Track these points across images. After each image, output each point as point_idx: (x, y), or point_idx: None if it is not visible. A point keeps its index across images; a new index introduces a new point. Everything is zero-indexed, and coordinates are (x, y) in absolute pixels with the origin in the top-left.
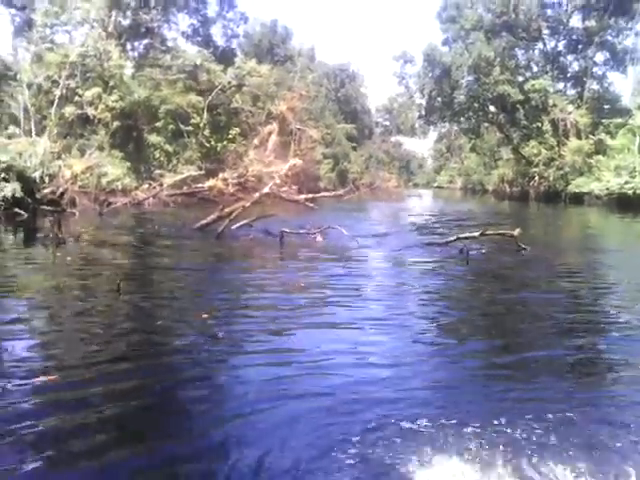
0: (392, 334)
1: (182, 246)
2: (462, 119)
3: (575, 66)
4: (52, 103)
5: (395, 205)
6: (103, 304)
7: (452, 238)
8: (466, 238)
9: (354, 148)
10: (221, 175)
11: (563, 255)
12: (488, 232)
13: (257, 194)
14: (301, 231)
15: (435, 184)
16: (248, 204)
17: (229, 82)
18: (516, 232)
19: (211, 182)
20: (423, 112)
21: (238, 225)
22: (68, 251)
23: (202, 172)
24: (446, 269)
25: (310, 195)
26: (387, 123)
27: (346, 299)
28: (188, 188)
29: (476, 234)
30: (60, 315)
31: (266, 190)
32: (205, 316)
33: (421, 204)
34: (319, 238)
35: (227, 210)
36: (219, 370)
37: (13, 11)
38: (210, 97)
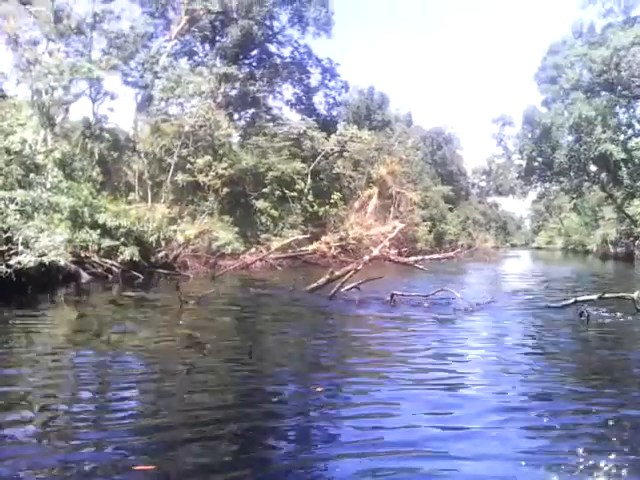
0: (500, 397)
1: (298, 309)
2: (563, 179)
3: None
4: (164, 171)
5: (495, 267)
6: (224, 371)
7: (570, 301)
8: (584, 301)
9: (451, 209)
10: (323, 238)
11: None
12: (607, 295)
13: (367, 257)
14: (412, 293)
15: (533, 244)
16: (360, 267)
17: (332, 149)
18: (636, 295)
19: (315, 245)
20: (523, 173)
21: (348, 287)
22: (192, 313)
23: (308, 236)
24: (567, 331)
25: (420, 257)
26: (483, 184)
27: (458, 364)
28: (293, 251)
29: (594, 297)
30: (176, 379)
31: (376, 252)
32: (319, 390)
33: (522, 265)
34: (426, 304)
35: (338, 273)
36: (326, 454)
37: (137, 90)
38: (314, 163)
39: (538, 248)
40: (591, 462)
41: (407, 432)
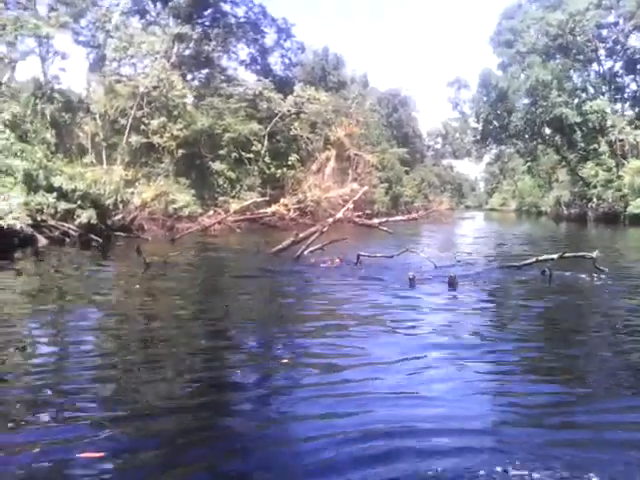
0: (465, 349)
1: (265, 271)
2: (517, 142)
3: (633, 86)
4: (118, 132)
5: (452, 228)
6: (195, 332)
7: (531, 260)
8: (545, 260)
9: (407, 172)
10: (282, 201)
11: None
12: (567, 254)
13: (331, 219)
14: (378, 254)
15: (487, 206)
16: (325, 229)
17: (288, 110)
18: (595, 254)
19: (273, 208)
20: (478, 136)
21: (312, 249)
22: (157, 275)
23: (266, 198)
24: (530, 289)
25: (384, 219)
26: (438, 147)
27: (427, 324)
28: (251, 214)
29: (555, 256)
30: (142, 341)
31: (340, 215)
32: (285, 361)
33: (478, 226)
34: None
35: (302, 235)
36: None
37: (89, 50)
38: (270, 125)
39: (492, 209)
40: (545, 400)
41: (372, 385)
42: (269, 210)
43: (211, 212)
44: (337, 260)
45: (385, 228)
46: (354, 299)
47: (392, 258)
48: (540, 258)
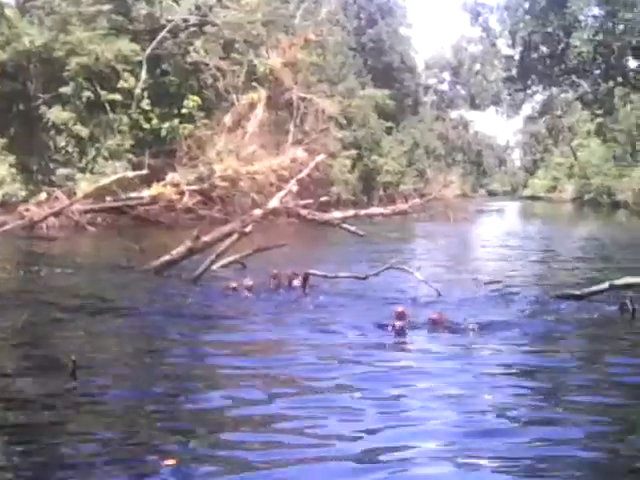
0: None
1: (136, 304)
2: (580, 80)
3: None
4: None
5: (465, 230)
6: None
7: (602, 286)
8: (626, 286)
9: (389, 131)
10: (171, 177)
11: None
12: None
13: (259, 211)
14: (341, 274)
15: (526, 192)
16: (248, 229)
17: (185, 19)
18: None
19: (155, 189)
20: (514, 69)
21: (224, 263)
22: None
23: (143, 172)
24: (601, 338)
25: (351, 212)
26: (444, 88)
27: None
28: (116, 199)
29: (639, 279)
30: None
31: (275, 203)
32: (170, 463)
33: (512, 228)
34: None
35: (206, 239)
36: None
37: None
38: (152, 44)
39: (533, 197)
40: None
41: None
42: (147, 194)
43: (43, 196)
44: (272, 282)
45: (352, 228)
46: (287, 365)
47: (365, 279)
48: (616, 282)
